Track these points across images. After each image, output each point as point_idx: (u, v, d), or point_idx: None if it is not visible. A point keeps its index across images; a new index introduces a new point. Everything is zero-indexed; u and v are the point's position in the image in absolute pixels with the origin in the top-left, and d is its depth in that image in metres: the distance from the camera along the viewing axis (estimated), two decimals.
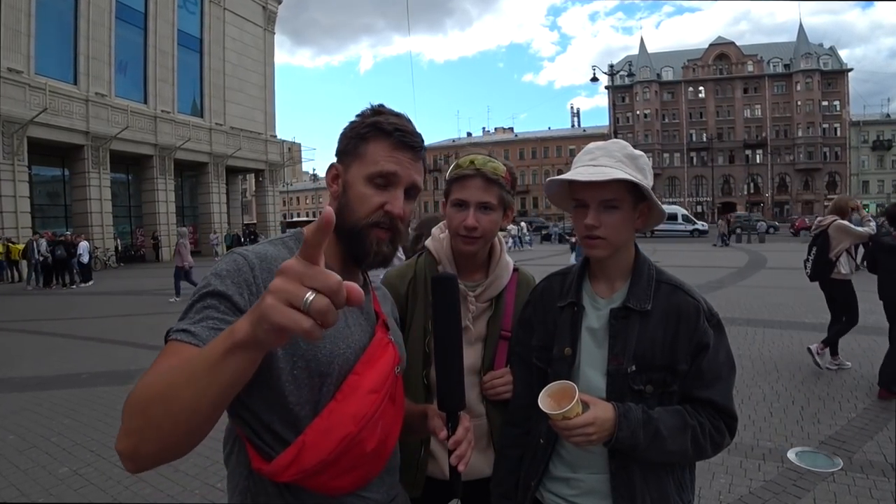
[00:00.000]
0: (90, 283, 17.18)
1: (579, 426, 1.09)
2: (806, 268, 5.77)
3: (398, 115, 1.07)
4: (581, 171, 1.22)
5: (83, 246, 17.20)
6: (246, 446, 0.96)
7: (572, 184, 1.24)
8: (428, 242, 1.58)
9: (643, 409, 1.15)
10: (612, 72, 27.93)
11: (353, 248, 1.03)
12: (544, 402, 1.11)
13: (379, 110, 1.07)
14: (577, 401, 1.08)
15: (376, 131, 1.04)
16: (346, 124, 1.09)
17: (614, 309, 1.23)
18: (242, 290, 0.90)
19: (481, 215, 1.40)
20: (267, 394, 0.94)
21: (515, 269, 1.57)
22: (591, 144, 1.27)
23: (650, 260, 1.30)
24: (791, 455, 3.62)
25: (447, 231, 1.52)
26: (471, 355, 1.44)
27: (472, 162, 1.41)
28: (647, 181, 1.21)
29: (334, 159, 1.10)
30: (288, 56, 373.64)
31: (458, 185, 1.42)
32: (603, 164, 1.20)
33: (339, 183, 1.07)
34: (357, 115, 1.08)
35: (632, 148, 1.25)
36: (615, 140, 1.28)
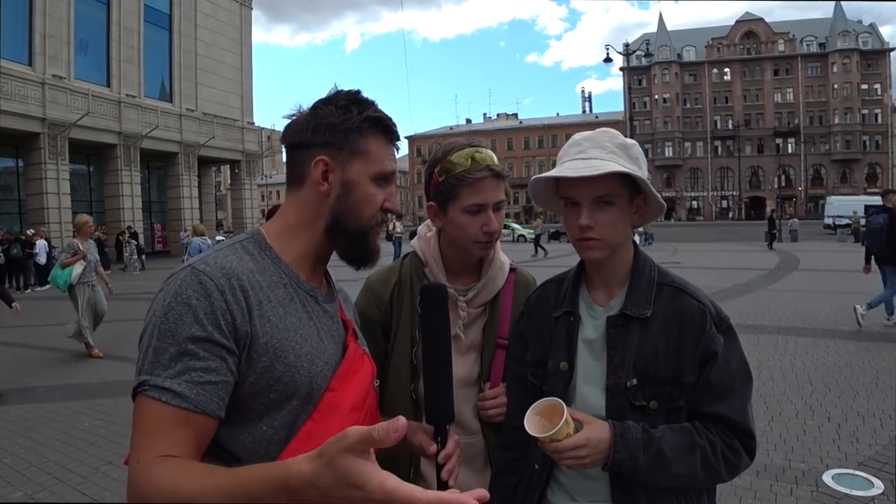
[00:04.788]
0: (47, 286, 17.12)
1: (570, 448, 1.08)
2: None
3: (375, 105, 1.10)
4: (570, 165, 1.21)
5: (40, 245, 17.14)
6: None
7: (560, 181, 1.23)
8: (413, 243, 1.58)
9: (644, 429, 1.15)
10: (627, 51, 28.00)
11: (359, 251, 1.09)
12: (533, 422, 1.10)
13: (362, 99, 1.07)
14: (566, 420, 1.07)
15: (374, 126, 1.05)
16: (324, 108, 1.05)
17: (611, 317, 1.23)
18: (219, 321, 0.89)
19: (497, 215, 1.40)
20: (248, 427, 0.94)
21: (512, 269, 1.56)
22: (578, 135, 1.27)
23: (651, 260, 1.30)
24: (827, 478, 3.63)
25: (434, 230, 1.52)
26: (464, 366, 1.44)
27: (471, 158, 1.37)
28: (641, 172, 1.21)
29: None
30: (264, 34, 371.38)
31: (470, 188, 1.37)
32: (594, 156, 1.20)
33: (335, 181, 1.04)
34: (340, 104, 1.04)
35: (622, 136, 1.25)
36: (604, 129, 1.28)
